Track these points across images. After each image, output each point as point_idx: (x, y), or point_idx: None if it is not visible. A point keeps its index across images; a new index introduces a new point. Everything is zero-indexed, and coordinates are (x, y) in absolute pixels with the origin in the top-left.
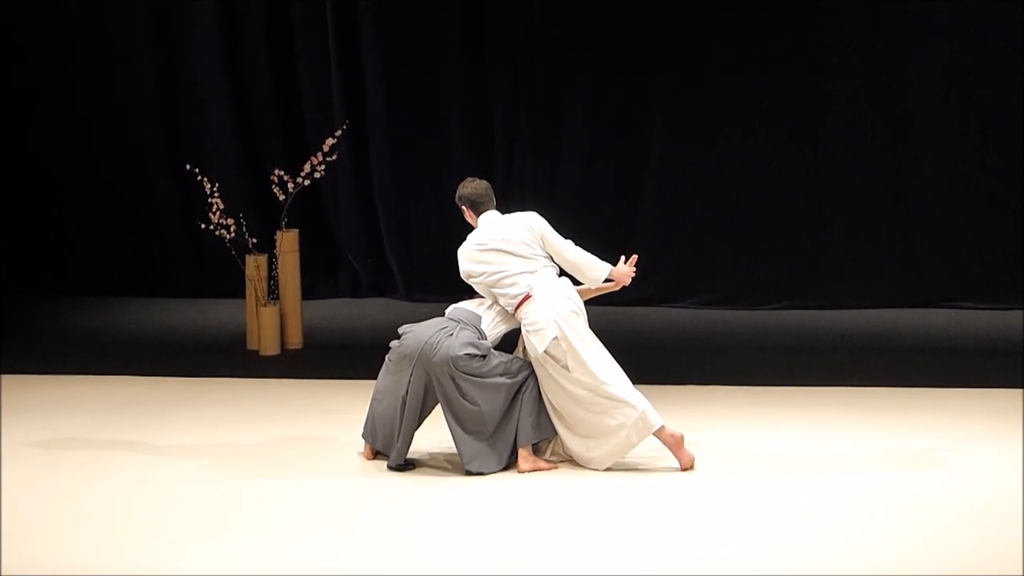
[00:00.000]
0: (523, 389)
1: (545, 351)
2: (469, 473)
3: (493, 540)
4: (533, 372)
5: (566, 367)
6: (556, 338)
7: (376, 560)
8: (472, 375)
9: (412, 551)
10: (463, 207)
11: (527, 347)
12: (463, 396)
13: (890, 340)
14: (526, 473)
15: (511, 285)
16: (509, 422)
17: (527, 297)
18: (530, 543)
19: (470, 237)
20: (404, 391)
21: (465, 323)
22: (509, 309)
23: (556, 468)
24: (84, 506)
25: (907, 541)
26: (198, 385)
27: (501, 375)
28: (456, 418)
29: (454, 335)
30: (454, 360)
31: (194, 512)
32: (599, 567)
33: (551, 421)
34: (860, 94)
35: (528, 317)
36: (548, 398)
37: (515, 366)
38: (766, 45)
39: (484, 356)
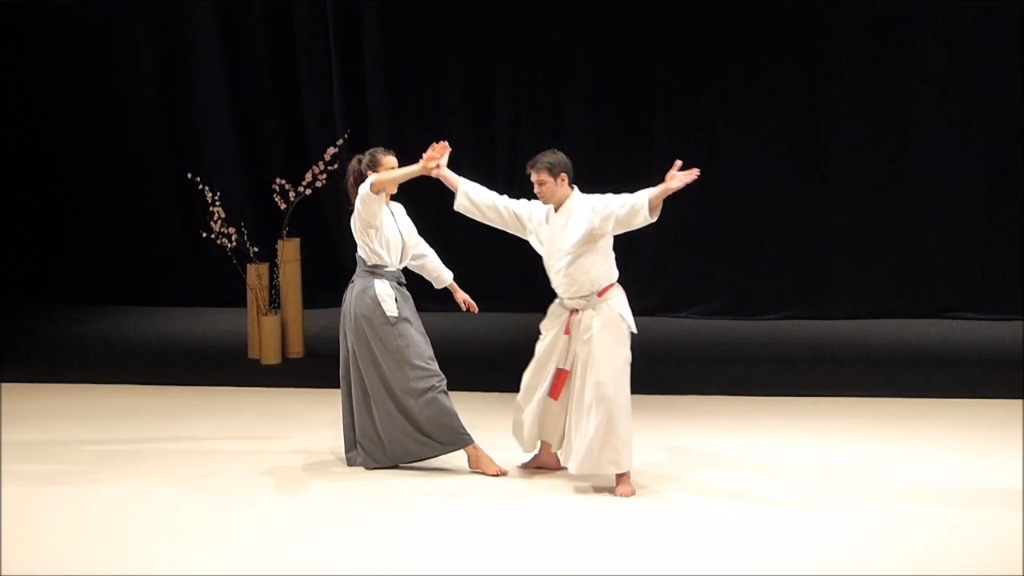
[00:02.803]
0: (431, 391)
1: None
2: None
3: (493, 541)
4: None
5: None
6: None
7: (375, 565)
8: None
9: (411, 555)
10: (559, 174)
11: (613, 326)
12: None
13: (891, 350)
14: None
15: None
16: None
17: (613, 286)
18: (531, 545)
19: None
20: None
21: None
22: (600, 282)
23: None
24: (84, 513)
25: (908, 547)
26: (199, 394)
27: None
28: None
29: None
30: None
31: (195, 519)
32: (598, 568)
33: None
34: (862, 104)
35: (621, 302)
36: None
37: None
38: (768, 55)
39: (395, 322)
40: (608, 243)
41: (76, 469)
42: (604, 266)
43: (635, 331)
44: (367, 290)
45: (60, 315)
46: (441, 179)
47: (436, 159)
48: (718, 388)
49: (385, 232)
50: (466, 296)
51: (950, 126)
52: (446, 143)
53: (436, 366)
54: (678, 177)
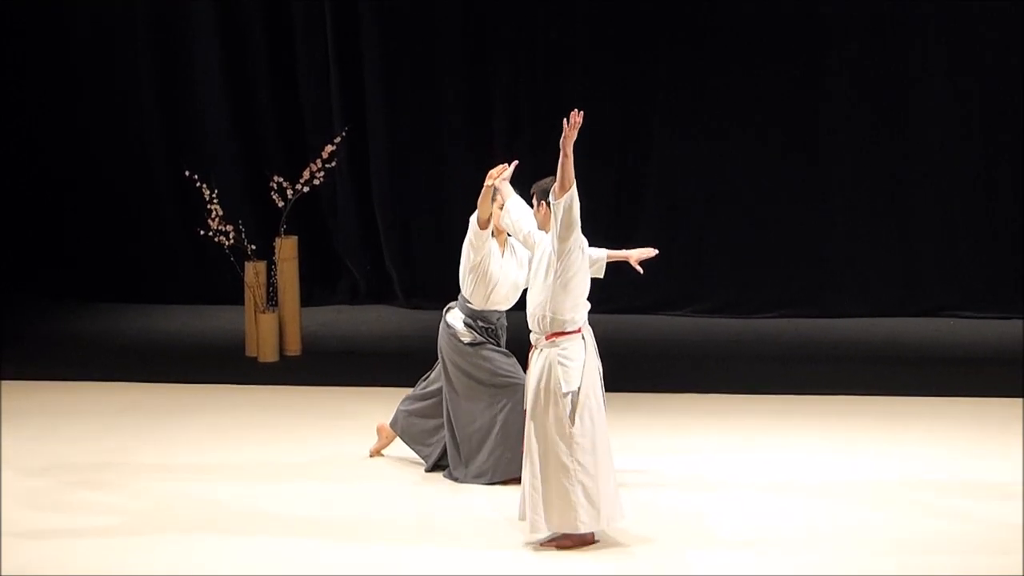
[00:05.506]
0: (502, 411)
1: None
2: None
3: (492, 543)
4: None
5: (571, 418)
6: (575, 392)
7: (374, 563)
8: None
9: (410, 553)
10: (540, 201)
11: (546, 377)
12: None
13: (890, 349)
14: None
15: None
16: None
17: (579, 331)
18: (529, 544)
19: None
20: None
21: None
22: (549, 324)
23: None
24: (83, 510)
25: (907, 547)
26: (197, 391)
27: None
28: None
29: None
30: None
31: (192, 517)
32: (600, 567)
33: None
34: (860, 102)
35: (568, 355)
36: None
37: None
38: (768, 55)
39: (473, 344)
40: (575, 284)
41: (72, 467)
42: (562, 307)
43: (569, 389)
44: (445, 318)
45: (58, 312)
46: (498, 192)
47: (493, 176)
48: (715, 386)
49: (486, 266)
50: (638, 253)
51: (949, 125)
52: (508, 164)
53: (511, 381)
54: (565, 136)
